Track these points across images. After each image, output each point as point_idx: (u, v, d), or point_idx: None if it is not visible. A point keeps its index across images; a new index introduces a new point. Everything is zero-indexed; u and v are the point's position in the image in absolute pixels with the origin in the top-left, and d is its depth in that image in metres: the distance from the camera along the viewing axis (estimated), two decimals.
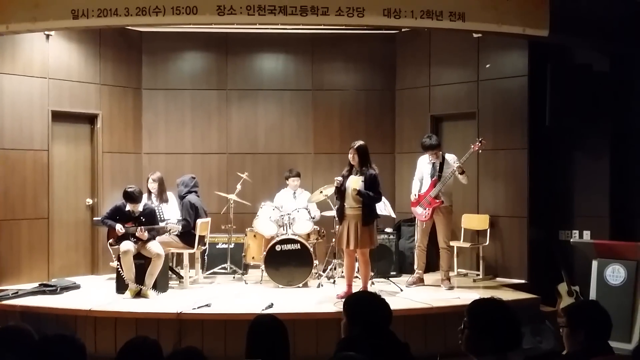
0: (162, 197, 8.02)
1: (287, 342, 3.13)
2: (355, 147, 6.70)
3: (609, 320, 3.19)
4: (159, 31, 8.91)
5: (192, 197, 7.64)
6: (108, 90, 8.64)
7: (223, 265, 8.18)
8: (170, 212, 7.89)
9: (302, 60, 9.28)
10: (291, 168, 8.47)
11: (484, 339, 2.79)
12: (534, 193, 7.92)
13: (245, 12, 6.30)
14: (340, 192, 6.73)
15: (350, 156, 6.72)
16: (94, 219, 8.19)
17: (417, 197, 7.54)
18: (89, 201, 8.51)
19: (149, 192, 8.03)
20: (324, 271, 7.96)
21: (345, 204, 6.71)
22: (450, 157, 7.50)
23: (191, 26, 8.45)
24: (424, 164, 7.62)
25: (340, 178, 6.71)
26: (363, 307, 3.23)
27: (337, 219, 6.89)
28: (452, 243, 7.76)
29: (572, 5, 6.66)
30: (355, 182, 6.61)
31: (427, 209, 7.42)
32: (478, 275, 8.13)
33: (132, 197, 6.99)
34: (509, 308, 2.90)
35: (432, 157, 7.50)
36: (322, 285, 7.53)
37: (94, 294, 7.12)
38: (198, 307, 6.27)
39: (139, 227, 6.89)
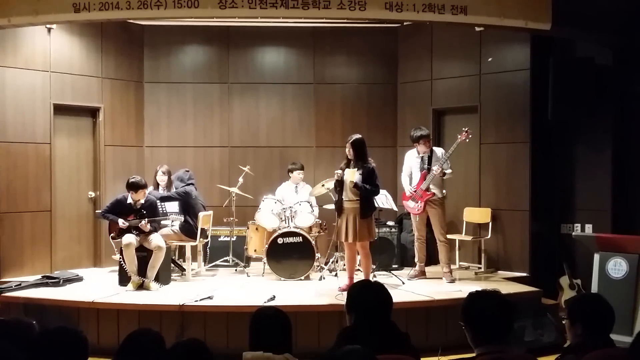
0: (170, 189, 8.06)
1: (290, 334, 3.15)
2: (350, 141, 6.73)
3: (611, 314, 3.18)
4: (161, 25, 8.90)
5: (188, 188, 7.65)
6: (110, 83, 8.64)
7: (225, 258, 8.20)
8: (172, 206, 7.90)
9: (304, 54, 9.27)
10: (295, 161, 8.48)
11: (477, 330, 2.84)
12: (535, 186, 7.92)
13: (246, 6, 6.29)
14: (341, 185, 6.74)
15: (346, 150, 6.73)
16: (96, 212, 8.21)
17: (410, 192, 7.51)
18: (91, 194, 8.53)
19: (157, 185, 8.05)
20: (325, 264, 7.98)
21: (343, 197, 6.73)
22: (438, 150, 7.52)
23: (193, 20, 8.44)
24: (412, 158, 7.63)
25: (340, 171, 6.72)
26: (364, 293, 3.25)
27: (336, 210, 6.90)
28: (453, 236, 7.77)
29: None
30: (351, 175, 6.61)
31: (419, 202, 7.43)
32: (480, 268, 8.14)
33: (137, 185, 6.98)
34: (500, 298, 2.94)
35: (422, 148, 7.46)
36: (324, 278, 7.55)
37: (97, 286, 7.14)
38: (200, 300, 6.29)
39: (142, 220, 6.90)
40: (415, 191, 7.45)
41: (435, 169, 7.29)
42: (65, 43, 8.17)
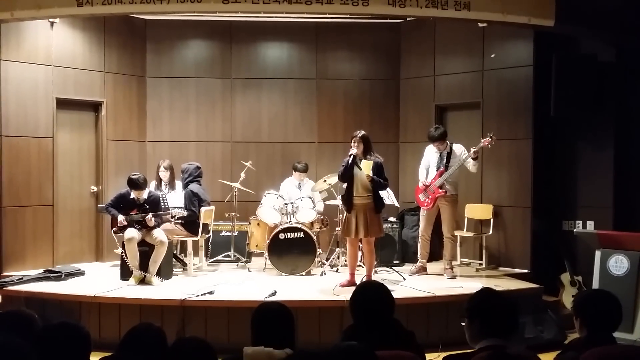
0: (172, 184, 8.09)
1: (293, 329, 3.16)
2: (359, 135, 6.71)
3: (616, 311, 3.17)
4: (164, 19, 8.90)
5: (194, 186, 7.63)
6: (112, 78, 8.64)
7: (227, 253, 8.20)
8: (175, 201, 7.91)
9: (307, 49, 9.25)
10: (300, 160, 8.47)
11: (485, 322, 2.86)
12: (537, 183, 7.91)
13: (249, 1, 6.30)
14: (350, 179, 6.71)
15: (353, 145, 6.72)
16: (99, 205, 8.22)
17: (424, 184, 7.51)
18: (94, 188, 8.54)
19: (159, 180, 8.06)
20: (327, 260, 7.98)
21: (353, 193, 6.71)
22: (458, 147, 7.49)
23: (195, 14, 8.43)
24: (431, 153, 7.60)
25: (355, 150, 6.66)
26: (364, 297, 3.26)
27: (345, 207, 6.83)
28: (455, 233, 7.76)
29: None
30: (368, 168, 6.60)
31: (429, 197, 7.43)
32: (481, 264, 8.15)
33: (136, 184, 7.00)
34: (510, 298, 2.98)
35: (438, 147, 7.47)
36: (325, 274, 7.56)
37: (99, 280, 7.15)
38: (201, 294, 6.30)
39: (147, 215, 6.90)
40: (428, 186, 7.45)
41: (463, 158, 7.28)
42: (67, 37, 8.17)
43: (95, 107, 8.56)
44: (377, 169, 6.68)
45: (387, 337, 3.05)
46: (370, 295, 3.27)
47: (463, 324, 2.97)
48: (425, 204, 7.48)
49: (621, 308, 3.19)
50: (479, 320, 2.91)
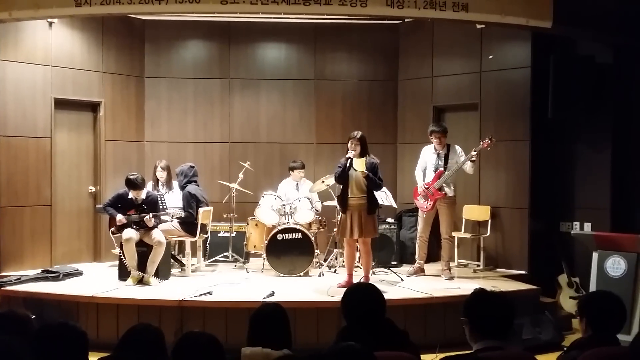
0: (169, 185, 8.09)
1: (289, 329, 3.16)
2: (358, 137, 6.73)
3: (620, 313, 3.19)
4: (162, 19, 8.90)
5: (191, 187, 7.63)
6: (111, 78, 8.64)
7: (225, 254, 8.20)
8: (173, 201, 7.91)
9: (305, 50, 9.26)
10: (295, 159, 8.47)
11: (479, 324, 2.87)
12: (535, 184, 7.93)
13: (248, 1, 6.31)
14: (345, 180, 6.73)
15: (351, 146, 6.73)
16: (97, 206, 8.21)
17: (423, 187, 7.49)
18: (92, 189, 8.53)
19: (156, 180, 8.07)
20: (325, 260, 7.99)
21: (348, 194, 6.73)
22: (456, 148, 7.48)
23: (194, 15, 8.43)
24: (429, 154, 7.59)
25: (353, 152, 6.68)
26: (355, 300, 3.26)
27: (340, 208, 6.88)
28: (453, 234, 7.77)
29: None
30: (361, 165, 6.61)
31: (429, 199, 7.42)
32: (478, 266, 8.16)
33: (134, 184, 7.00)
34: (504, 298, 2.99)
35: (437, 145, 7.44)
36: (323, 275, 7.57)
37: (96, 280, 7.15)
38: (199, 295, 6.31)
39: (147, 215, 6.91)
40: (427, 188, 7.44)
41: (463, 160, 7.25)
42: (66, 37, 8.17)
43: (93, 107, 8.55)
44: (372, 169, 6.68)
45: (380, 337, 3.05)
46: (361, 296, 3.27)
47: (465, 326, 2.98)
48: (426, 207, 7.46)
49: (625, 309, 3.21)
50: (474, 321, 2.92)
